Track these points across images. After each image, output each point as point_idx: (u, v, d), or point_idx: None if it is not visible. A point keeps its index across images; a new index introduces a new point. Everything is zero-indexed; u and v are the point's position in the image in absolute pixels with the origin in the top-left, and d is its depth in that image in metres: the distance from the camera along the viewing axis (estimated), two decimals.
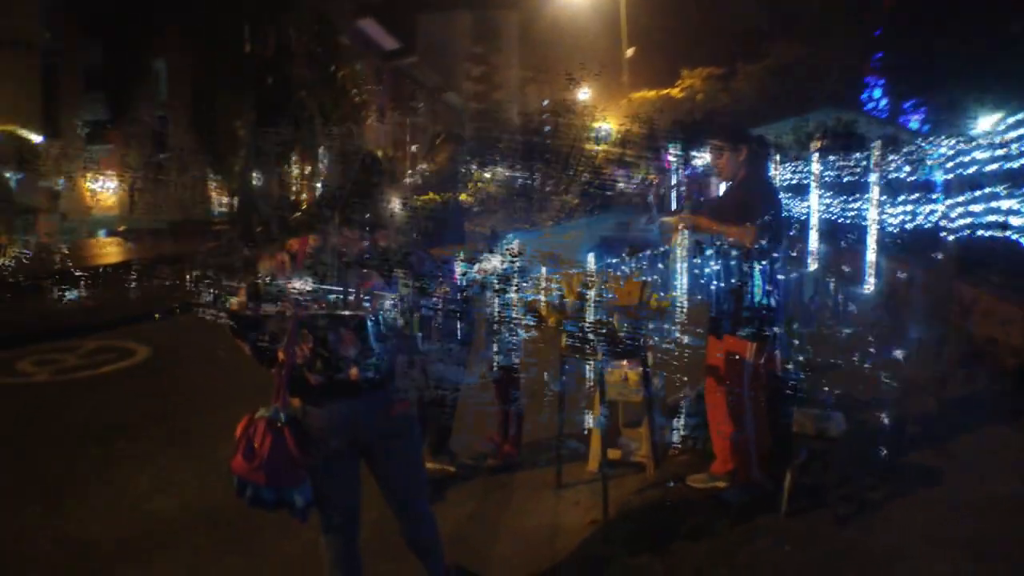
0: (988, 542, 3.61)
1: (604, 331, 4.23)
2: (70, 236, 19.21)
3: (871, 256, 10.29)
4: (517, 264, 3.91)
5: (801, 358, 4.89)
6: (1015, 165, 6.71)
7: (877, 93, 30.30)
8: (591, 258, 4.84)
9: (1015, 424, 5.03)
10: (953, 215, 7.96)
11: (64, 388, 7.12)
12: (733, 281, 4.09)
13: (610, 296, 4.41)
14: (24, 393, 7.04)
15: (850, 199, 11.90)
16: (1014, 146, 6.67)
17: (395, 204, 3.01)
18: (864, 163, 11.03)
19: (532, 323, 4.35)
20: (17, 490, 4.78)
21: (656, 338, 4.64)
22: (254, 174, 23.57)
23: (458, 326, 4.25)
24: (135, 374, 7.62)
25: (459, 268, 3.66)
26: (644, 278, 4.60)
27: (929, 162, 9.13)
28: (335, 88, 24.83)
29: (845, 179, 11.99)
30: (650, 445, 4.61)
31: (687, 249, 4.32)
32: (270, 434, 2.64)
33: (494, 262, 3.84)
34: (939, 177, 8.86)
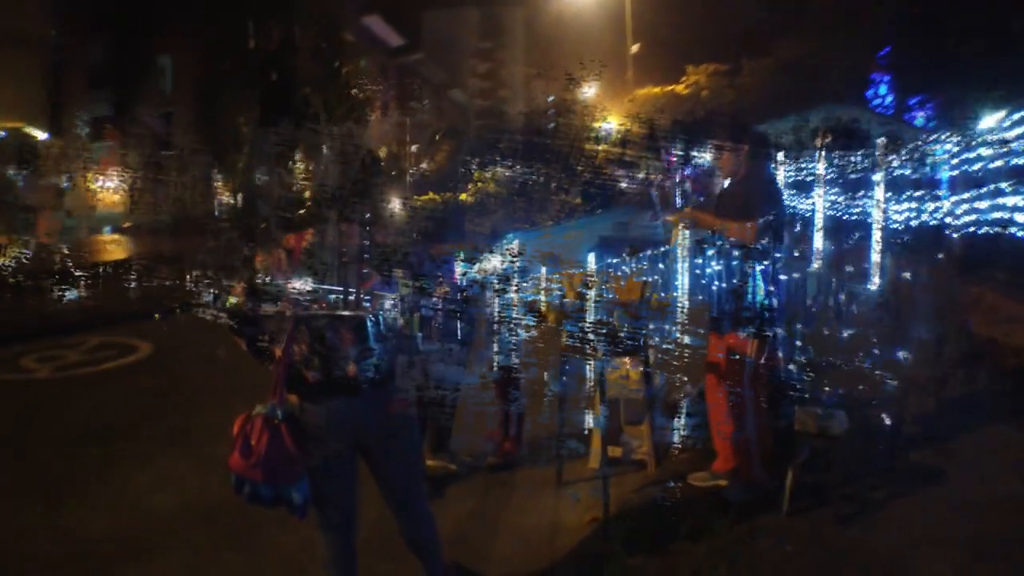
0: (989, 542, 3.60)
1: (604, 330, 4.21)
2: (73, 234, 19.23)
3: (875, 256, 10.22)
4: (517, 264, 3.90)
5: (802, 358, 4.88)
6: (1020, 161, 6.68)
7: (883, 90, 30.17)
8: (591, 258, 4.82)
9: (1015, 424, 5.01)
10: (958, 212, 7.92)
11: (65, 386, 7.14)
12: (734, 279, 4.07)
13: (610, 296, 4.39)
14: (25, 391, 7.05)
15: (854, 197, 11.83)
16: (1019, 143, 6.64)
17: (395, 203, 3.00)
18: (868, 160, 10.97)
19: (532, 323, 4.34)
20: (17, 489, 4.79)
21: (657, 337, 4.63)
22: (257, 172, 23.54)
23: (458, 326, 4.24)
24: (136, 371, 7.64)
25: (459, 268, 3.66)
26: (645, 278, 4.59)
27: (933, 159, 9.09)
28: (340, 84, 24.81)
29: (850, 176, 11.92)
30: (651, 443, 4.60)
31: (687, 247, 4.30)
32: (267, 431, 2.63)
33: (494, 262, 3.83)
34: (944, 174, 8.82)
